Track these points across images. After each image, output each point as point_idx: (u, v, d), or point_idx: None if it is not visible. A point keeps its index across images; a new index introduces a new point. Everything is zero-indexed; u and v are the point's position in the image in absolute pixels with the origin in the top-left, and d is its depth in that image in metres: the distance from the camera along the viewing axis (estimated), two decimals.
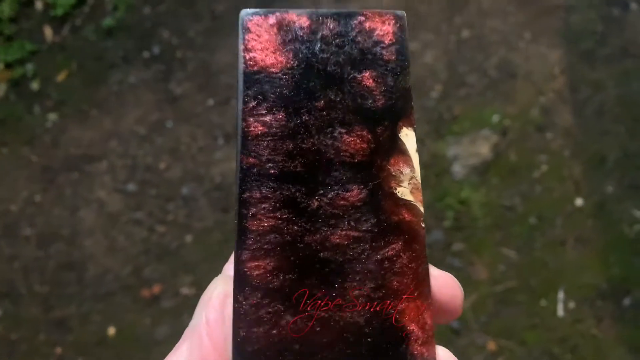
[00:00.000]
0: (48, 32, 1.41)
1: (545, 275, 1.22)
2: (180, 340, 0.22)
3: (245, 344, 0.19)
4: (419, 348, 0.20)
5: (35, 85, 1.37)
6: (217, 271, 0.23)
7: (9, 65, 1.38)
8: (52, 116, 1.35)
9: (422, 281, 0.21)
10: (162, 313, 1.20)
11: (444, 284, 0.23)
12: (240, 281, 0.20)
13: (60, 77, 1.38)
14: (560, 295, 1.19)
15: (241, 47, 0.22)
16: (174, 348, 0.22)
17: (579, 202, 1.29)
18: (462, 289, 0.23)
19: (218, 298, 0.21)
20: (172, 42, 1.42)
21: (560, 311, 1.18)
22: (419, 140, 1.42)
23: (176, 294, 1.21)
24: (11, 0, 1.41)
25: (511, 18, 1.47)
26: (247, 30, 0.22)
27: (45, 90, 1.37)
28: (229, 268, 0.23)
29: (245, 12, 0.23)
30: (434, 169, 1.33)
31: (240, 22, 0.22)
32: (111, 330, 1.19)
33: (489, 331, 1.15)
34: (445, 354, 0.23)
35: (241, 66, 0.22)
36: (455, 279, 0.23)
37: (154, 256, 1.24)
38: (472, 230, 1.25)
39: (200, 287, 1.22)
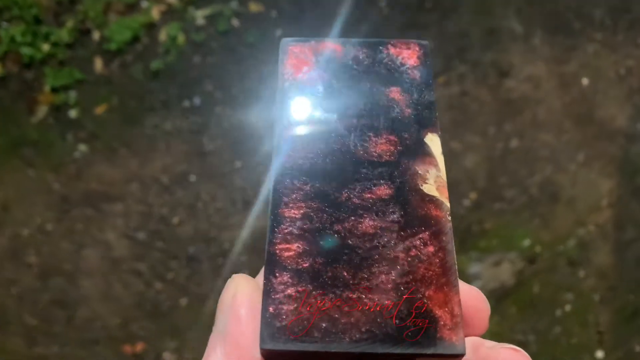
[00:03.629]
0: (98, 63, 1.44)
1: None
2: (209, 349, 0.21)
3: (274, 320, 0.19)
4: (447, 332, 0.20)
5: (73, 114, 1.39)
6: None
7: (55, 90, 1.41)
8: (83, 147, 1.37)
9: (449, 270, 0.21)
10: None
11: (469, 297, 0.22)
12: (271, 262, 0.20)
13: (99, 109, 1.40)
14: None
15: (281, 63, 0.25)
16: (204, 357, 0.21)
17: (599, 354, 1.18)
18: (488, 303, 0.23)
19: (244, 294, 0.21)
20: (215, 96, 1.41)
21: None
22: None
23: (157, 357, 1.18)
24: (72, 28, 1.45)
25: (566, 135, 1.39)
26: (286, 51, 0.25)
27: (82, 121, 1.39)
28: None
29: (285, 40, 0.26)
30: None
31: (281, 46, 0.26)
32: None
33: None
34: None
35: (280, 79, 0.25)
36: (482, 293, 0.22)
37: (145, 313, 1.22)
38: None
39: (182, 356, 1.19)
